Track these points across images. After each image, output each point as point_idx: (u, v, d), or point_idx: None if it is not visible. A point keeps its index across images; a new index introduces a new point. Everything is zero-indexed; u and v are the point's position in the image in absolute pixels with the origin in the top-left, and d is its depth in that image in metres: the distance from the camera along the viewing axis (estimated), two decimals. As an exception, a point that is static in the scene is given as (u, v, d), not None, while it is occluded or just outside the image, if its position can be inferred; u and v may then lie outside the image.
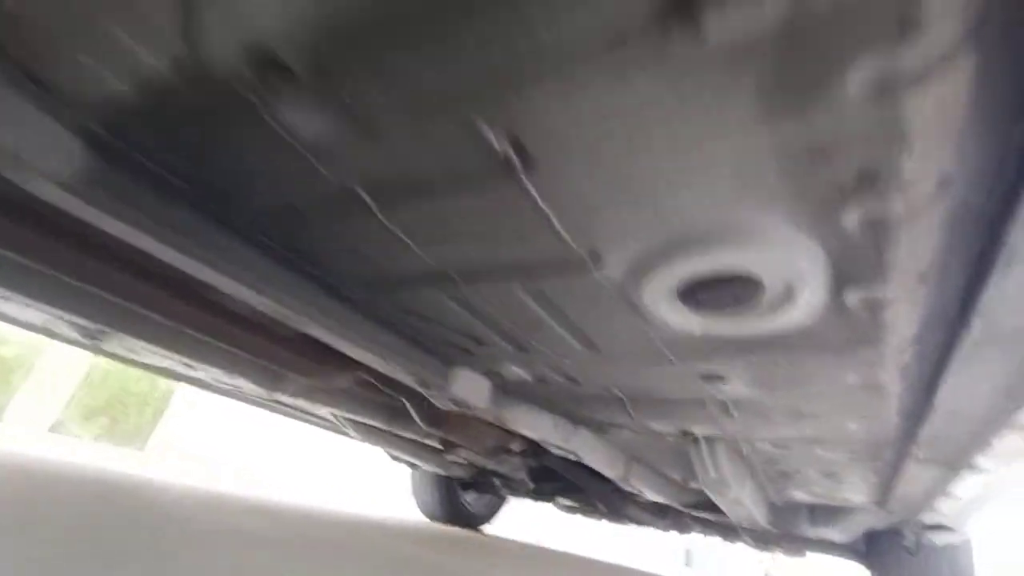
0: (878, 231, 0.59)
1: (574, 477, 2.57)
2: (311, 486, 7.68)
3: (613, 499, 2.75)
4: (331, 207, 0.74)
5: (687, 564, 11.54)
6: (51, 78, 0.61)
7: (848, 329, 0.77)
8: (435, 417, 1.68)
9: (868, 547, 2.54)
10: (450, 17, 0.46)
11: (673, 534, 3.94)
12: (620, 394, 1.21)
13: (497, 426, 1.74)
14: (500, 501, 4.33)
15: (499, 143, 0.58)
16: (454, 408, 1.37)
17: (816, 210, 0.59)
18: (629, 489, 2.37)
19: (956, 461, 1.16)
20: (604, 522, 4.06)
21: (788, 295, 0.73)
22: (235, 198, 0.77)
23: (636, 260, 0.73)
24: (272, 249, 0.90)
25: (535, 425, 1.46)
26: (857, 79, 0.43)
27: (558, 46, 0.46)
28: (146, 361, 1.66)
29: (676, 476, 2.07)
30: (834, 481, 1.58)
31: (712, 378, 1.00)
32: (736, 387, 1.02)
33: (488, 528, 4.30)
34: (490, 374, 1.26)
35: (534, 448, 2.02)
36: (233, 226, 0.85)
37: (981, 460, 1.09)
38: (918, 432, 1.04)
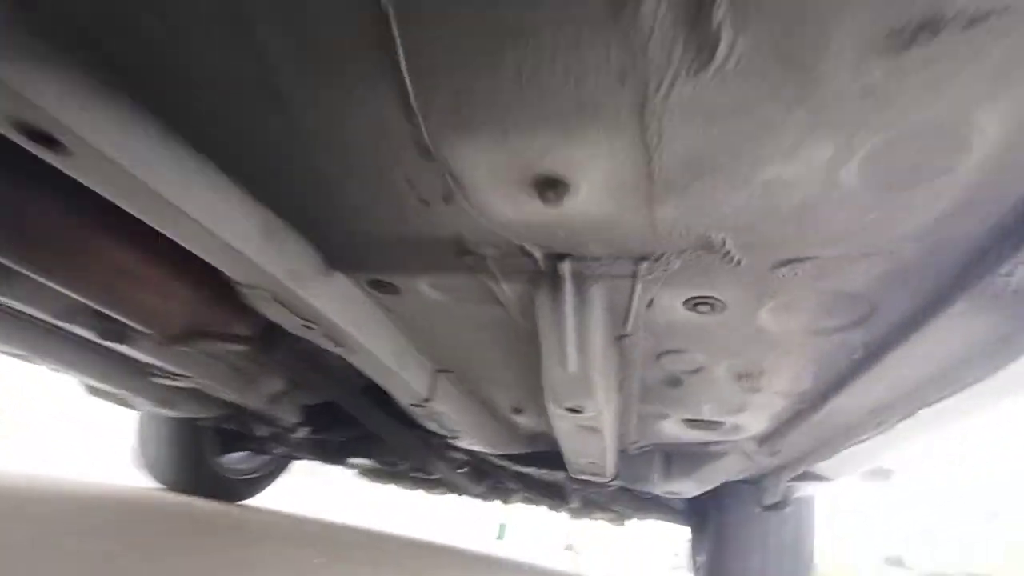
0: None
1: (366, 419, 1.73)
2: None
3: (419, 453, 1.98)
4: None
5: (499, 538, 11.59)
6: None
7: None
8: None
9: (705, 505, 2.18)
10: None
11: (495, 506, 3.34)
12: None
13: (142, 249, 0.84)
14: (275, 466, 3.28)
15: None
16: None
17: None
18: (435, 429, 1.62)
19: None
20: (419, 492, 3.29)
21: None
22: None
23: None
24: None
25: (190, 200, 0.59)
26: None
27: None
28: None
29: (506, 401, 1.38)
30: (745, 390, 1.03)
31: None
32: None
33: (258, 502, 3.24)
34: None
35: (272, 338, 1.15)
36: None
37: None
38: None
